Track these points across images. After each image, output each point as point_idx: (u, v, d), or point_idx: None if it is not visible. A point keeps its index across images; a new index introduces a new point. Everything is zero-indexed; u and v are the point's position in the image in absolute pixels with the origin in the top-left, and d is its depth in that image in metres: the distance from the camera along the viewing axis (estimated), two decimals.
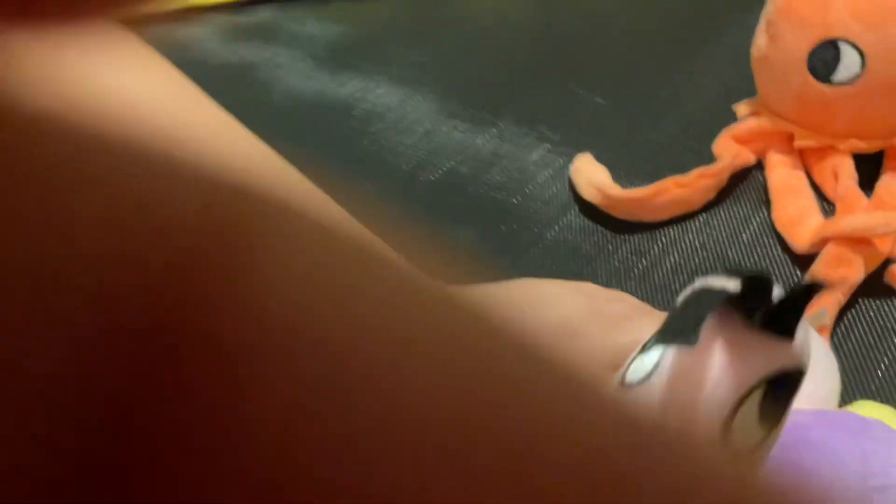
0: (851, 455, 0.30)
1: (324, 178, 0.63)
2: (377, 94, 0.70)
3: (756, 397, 0.20)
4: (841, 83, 0.46)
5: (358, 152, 0.62)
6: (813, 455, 0.29)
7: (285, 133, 0.67)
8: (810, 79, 0.47)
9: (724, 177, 0.49)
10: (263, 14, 0.92)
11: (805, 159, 0.49)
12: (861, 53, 0.45)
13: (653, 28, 0.74)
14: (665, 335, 0.21)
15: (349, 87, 0.72)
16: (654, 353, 0.21)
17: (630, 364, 0.22)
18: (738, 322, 0.20)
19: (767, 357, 0.21)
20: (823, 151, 0.47)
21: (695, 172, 0.49)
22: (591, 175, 0.52)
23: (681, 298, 0.21)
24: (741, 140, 0.51)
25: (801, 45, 0.47)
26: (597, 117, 0.61)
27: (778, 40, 0.48)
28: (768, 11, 0.50)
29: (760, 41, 0.50)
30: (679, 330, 0.21)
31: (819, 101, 0.47)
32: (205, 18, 0.93)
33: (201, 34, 0.89)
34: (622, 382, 0.22)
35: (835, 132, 0.47)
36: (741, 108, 0.53)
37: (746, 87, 0.53)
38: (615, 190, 0.50)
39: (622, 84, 0.64)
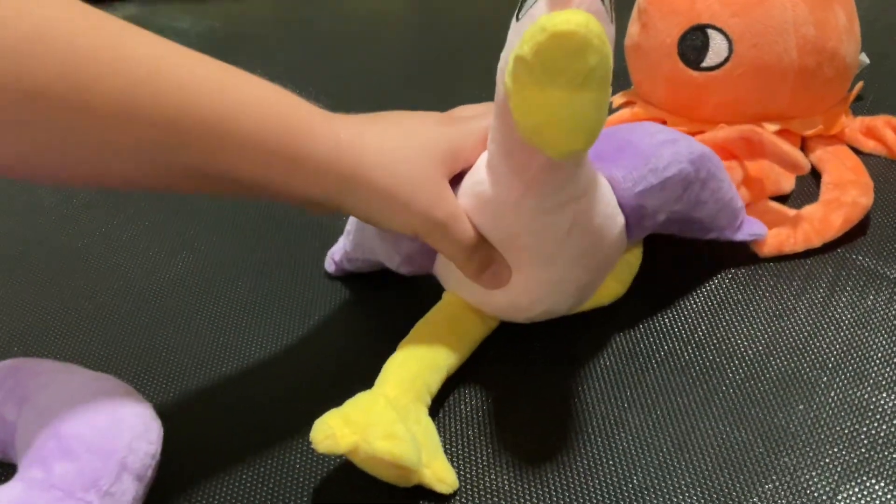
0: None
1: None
2: None
3: None
4: (710, 68, 0.47)
5: None
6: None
7: None
8: (680, 65, 0.48)
9: None
10: (129, 9, 0.88)
11: None
12: (728, 39, 0.47)
13: None
14: None
15: None
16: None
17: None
18: None
19: None
20: (694, 136, 0.48)
21: None
22: None
23: None
24: None
25: (671, 32, 0.48)
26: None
27: (649, 28, 0.50)
28: (640, 0, 0.51)
29: (633, 30, 0.52)
30: None
31: (689, 86, 0.49)
32: None
33: None
34: (518, 18, 0.29)
35: (705, 117, 0.49)
36: (616, 99, 0.55)
37: (622, 82, 0.54)
38: None
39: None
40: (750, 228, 0.42)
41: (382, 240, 0.38)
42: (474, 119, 0.36)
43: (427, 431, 0.34)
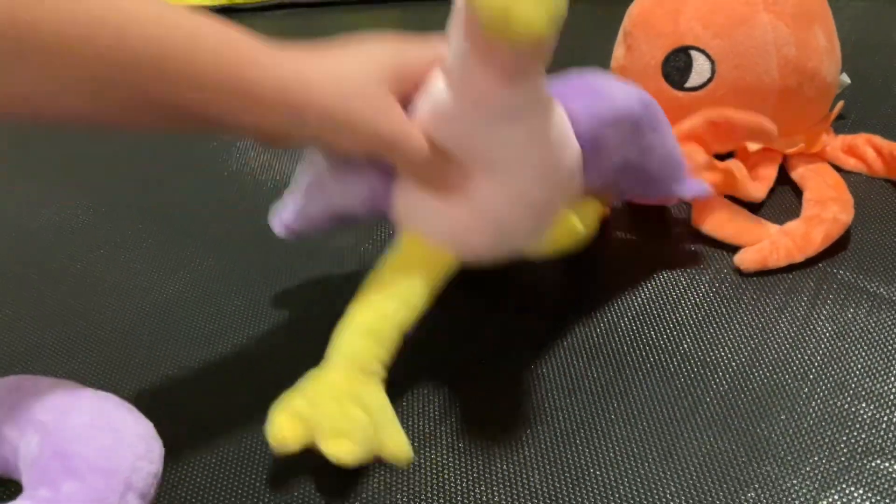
0: None
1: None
2: None
3: None
4: (693, 88, 0.49)
5: (218, 172, 0.61)
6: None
7: (145, 149, 0.65)
8: (665, 85, 0.50)
9: None
10: None
11: None
12: (711, 60, 0.48)
13: None
14: None
15: None
16: None
17: None
18: None
19: None
20: None
21: None
22: None
23: None
24: None
25: (655, 54, 0.50)
26: None
27: (634, 50, 0.51)
28: (625, 24, 0.53)
29: (619, 52, 0.53)
30: None
31: (674, 106, 0.50)
32: None
33: None
34: None
35: (689, 137, 0.50)
36: None
37: None
38: None
39: None
40: (694, 186, 0.44)
41: (340, 181, 0.39)
42: (427, 41, 0.37)
43: (378, 408, 0.35)
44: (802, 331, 0.40)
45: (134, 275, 0.51)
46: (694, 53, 0.48)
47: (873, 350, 0.39)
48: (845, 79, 0.55)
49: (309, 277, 0.48)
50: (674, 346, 0.40)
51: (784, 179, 0.50)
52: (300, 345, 0.44)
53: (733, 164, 0.46)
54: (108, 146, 0.67)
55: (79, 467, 0.30)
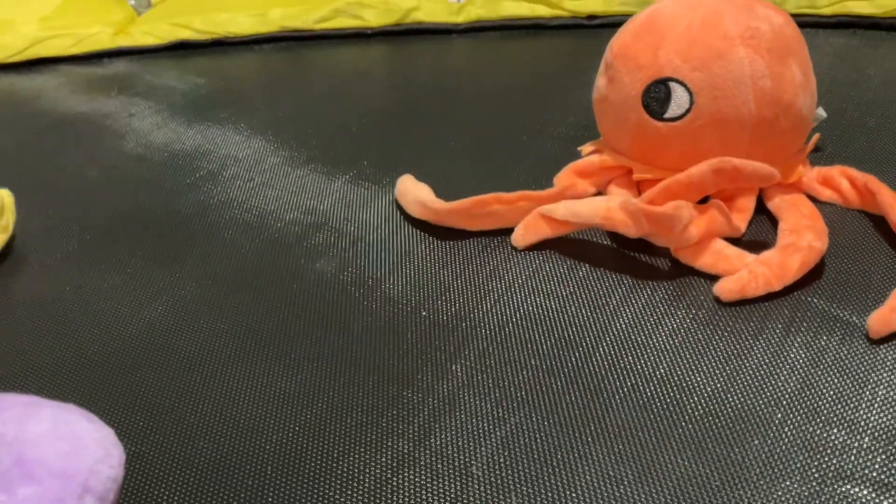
0: None
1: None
2: (233, 142, 0.70)
3: None
4: (672, 119, 0.50)
5: (206, 198, 0.61)
6: None
7: (136, 178, 0.66)
8: (645, 116, 0.51)
9: (551, 201, 0.51)
10: (120, 66, 0.90)
11: (643, 192, 0.52)
12: (690, 91, 0.49)
13: (508, 87, 0.78)
14: None
15: (204, 137, 0.71)
16: None
17: None
18: None
19: None
20: (662, 180, 0.50)
21: (518, 194, 0.52)
22: (415, 194, 0.55)
23: None
24: (583, 174, 0.54)
25: (635, 85, 0.51)
26: (449, 159, 0.64)
27: (615, 81, 0.52)
28: (607, 55, 0.54)
29: (600, 83, 0.54)
30: None
31: (653, 136, 0.51)
32: (57, 69, 0.91)
33: (52, 85, 0.87)
34: None
35: (669, 166, 0.51)
36: (586, 148, 0.57)
37: (593, 133, 0.57)
38: (438, 204, 0.53)
39: (477, 132, 0.67)
40: None
41: None
42: None
43: None
44: (776, 358, 0.41)
45: (114, 302, 0.51)
46: (673, 85, 0.49)
47: (846, 377, 0.39)
48: (822, 112, 0.57)
49: (291, 300, 0.49)
50: (650, 370, 0.41)
51: (759, 208, 0.51)
52: (280, 370, 0.44)
53: (715, 206, 0.47)
54: (93, 170, 0.67)
55: (36, 472, 0.31)
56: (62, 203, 0.63)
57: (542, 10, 0.89)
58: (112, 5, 1.06)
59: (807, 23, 0.77)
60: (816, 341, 0.41)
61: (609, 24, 0.86)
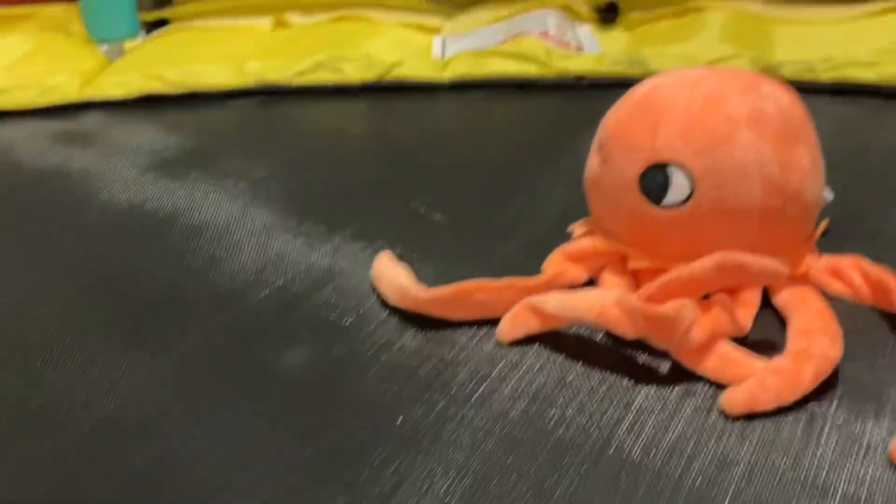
0: None
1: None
2: (205, 206, 0.66)
3: None
4: (671, 206, 0.46)
5: (177, 268, 0.57)
6: None
7: (98, 246, 0.61)
8: (642, 201, 0.47)
9: (540, 290, 0.47)
10: (90, 119, 0.86)
11: (639, 281, 0.48)
12: (690, 177, 0.45)
13: (494, 152, 0.74)
14: None
15: (174, 199, 0.67)
16: None
17: None
18: None
19: None
20: (657, 273, 0.46)
21: (504, 282, 0.48)
22: (392, 278, 0.51)
23: None
24: (574, 258, 0.50)
25: (632, 168, 0.47)
26: (436, 235, 0.60)
27: (610, 163, 0.49)
28: (600, 134, 0.50)
29: (593, 163, 0.51)
30: None
31: (650, 223, 0.47)
32: (23, 123, 0.87)
33: (18, 137, 0.82)
34: None
35: (667, 254, 0.47)
36: (577, 229, 0.53)
37: (585, 210, 0.53)
38: (418, 291, 0.49)
39: (462, 203, 0.64)
40: None
41: None
42: None
43: None
44: (792, 481, 0.37)
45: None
46: (672, 170, 0.46)
47: None
48: (828, 194, 0.53)
49: (253, 397, 0.44)
50: (654, 497, 0.37)
51: (764, 301, 0.48)
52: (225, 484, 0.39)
53: (720, 303, 0.44)
54: (47, 238, 0.63)
55: None
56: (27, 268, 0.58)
57: (529, 69, 0.86)
58: (83, 52, 1.03)
59: (804, 89, 0.75)
60: (838, 460, 0.37)
61: (598, 86, 0.83)
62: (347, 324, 0.50)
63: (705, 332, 0.43)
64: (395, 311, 0.51)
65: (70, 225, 0.65)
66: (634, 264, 0.48)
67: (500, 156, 0.72)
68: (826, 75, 0.77)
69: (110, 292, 0.55)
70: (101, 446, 0.42)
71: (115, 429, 0.43)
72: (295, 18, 1.07)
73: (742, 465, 0.38)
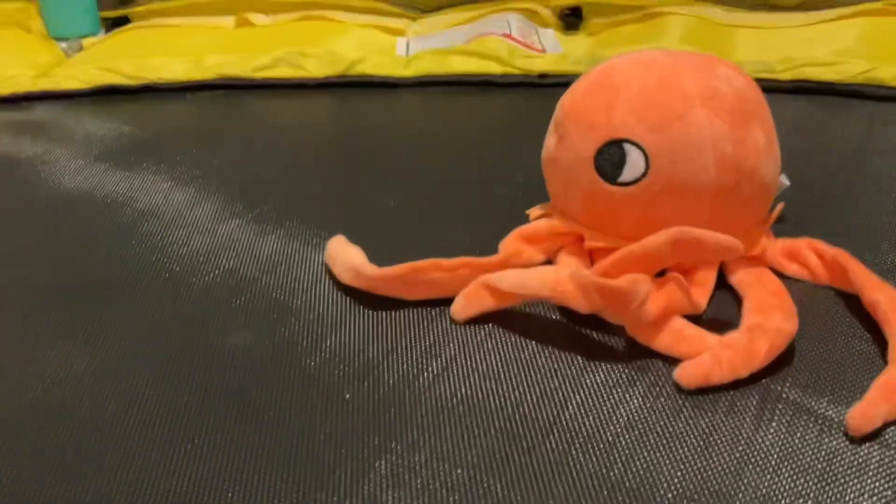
0: None
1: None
2: (155, 193, 0.64)
3: None
4: (627, 183, 0.45)
5: (124, 252, 0.55)
6: None
7: (42, 230, 0.59)
8: (597, 179, 0.46)
9: (495, 269, 0.46)
10: (40, 110, 0.84)
11: (595, 261, 0.48)
12: (645, 154, 0.45)
13: (454, 144, 0.73)
14: None
15: (124, 186, 0.65)
16: None
17: None
18: None
19: None
20: (613, 252, 0.45)
21: (459, 260, 0.47)
22: (346, 259, 0.50)
23: None
24: (530, 240, 0.49)
25: (587, 146, 0.46)
26: (387, 219, 0.59)
27: (566, 141, 0.48)
28: (556, 113, 0.49)
29: (550, 142, 0.50)
30: None
31: (606, 201, 0.46)
32: None
33: None
34: None
35: (623, 233, 0.47)
36: (534, 212, 0.52)
37: (544, 195, 0.52)
38: (371, 270, 0.48)
39: (419, 192, 0.63)
40: None
41: None
42: None
43: None
44: (745, 457, 0.36)
45: None
46: (628, 147, 0.45)
47: (825, 483, 0.34)
48: (785, 181, 0.53)
49: (198, 377, 0.43)
50: (604, 472, 0.35)
51: (720, 283, 0.47)
52: (172, 465, 0.37)
53: (674, 280, 0.43)
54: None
55: None
56: None
57: (492, 67, 0.86)
58: (40, 46, 1.01)
59: (763, 88, 0.75)
60: (790, 439, 0.37)
61: (561, 84, 0.82)
62: (296, 306, 0.49)
63: (659, 308, 0.42)
64: (348, 292, 0.49)
65: (13, 209, 0.63)
66: (590, 244, 0.48)
67: (461, 147, 0.71)
68: (785, 75, 0.78)
69: (51, 275, 0.53)
70: (26, 430, 0.40)
71: (41, 411, 0.41)
72: (259, 18, 1.06)
73: (696, 440, 0.37)
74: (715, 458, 0.36)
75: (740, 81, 0.47)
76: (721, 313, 0.45)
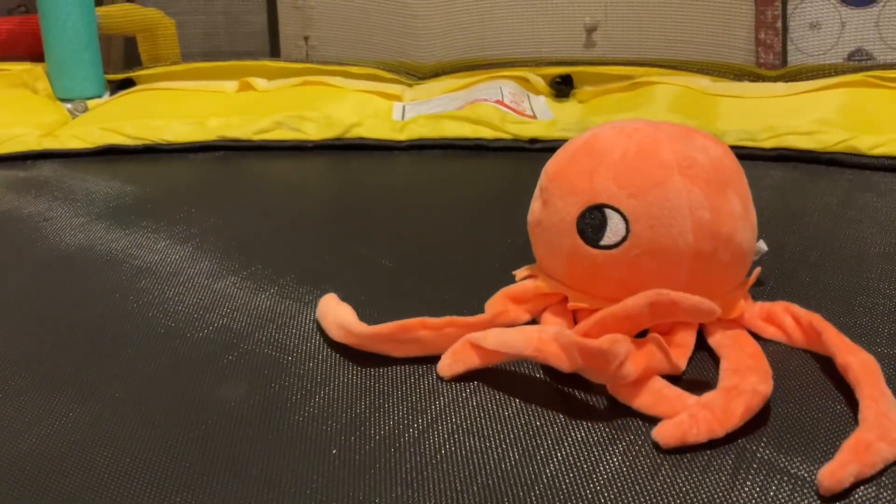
0: None
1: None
2: (153, 251, 0.66)
3: None
4: (608, 247, 0.47)
5: (121, 306, 0.57)
6: None
7: (41, 284, 0.61)
8: (580, 242, 0.48)
9: (481, 328, 0.48)
10: (44, 169, 0.86)
11: (579, 320, 0.49)
12: (626, 219, 0.47)
13: (446, 204, 0.76)
14: None
15: (123, 243, 0.67)
16: None
17: None
18: None
19: None
20: (595, 312, 0.47)
21: (446, 319, 0.48)
22: (336, 316, 0.51)
23: None
24: (516, 300, 0.51)
25: (570, 210, 0.48)
26: (379, 278, 0.60)
27: (550, 205, 0.50)
28: (542, 179, 0.52)
29: (535, 206, 0.52)
30: None
31: (588, 264, 0.48)
32: None
33: None
34: None
35: (605, 295, 0.48)
36: (520, 273, 0.54)
37: (530, 257, 0.54)
38: (360, 327, 0.49)
39: (410, 251, 0.64)
40: None
41: None
42: None
43: None
44: None
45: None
46: (609, 212, 0.47)
47: None
48: (762, 246, 0.55)
49: (187, 432, 0.44)
50: None
51: (700, 344, 0.48)
52: None
53: (654, 341, 0.44)
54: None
55: None
56: None
57: (484, 132, 0.88)
58: (46, 108, 1.03)
59: (746, 155, 0.77)
60: (764, 498, 0.38)
61: (551, 149, 0.84)
62: (287, 362, 0.50)
63: (639, 368, 0.43)
64: (337, 349, 0.50)
65: (14, 264, 0.65)
66: (573, 304, 0.49)
67: (452, 209, 0.73)
68: (767, 143, 0.80)
69: (48, 328, 0.55)
70: (18, 480, 0.41)
71: (35, 462, 0.42)
72: (260, 83, 1.10)
73: (674, 498, 0.38)
74: None
75: (717, 151, 0.49)
76: (700, 373, 0.46)
